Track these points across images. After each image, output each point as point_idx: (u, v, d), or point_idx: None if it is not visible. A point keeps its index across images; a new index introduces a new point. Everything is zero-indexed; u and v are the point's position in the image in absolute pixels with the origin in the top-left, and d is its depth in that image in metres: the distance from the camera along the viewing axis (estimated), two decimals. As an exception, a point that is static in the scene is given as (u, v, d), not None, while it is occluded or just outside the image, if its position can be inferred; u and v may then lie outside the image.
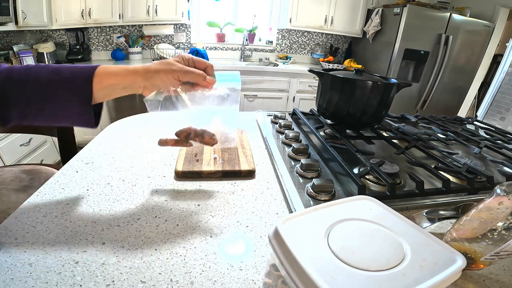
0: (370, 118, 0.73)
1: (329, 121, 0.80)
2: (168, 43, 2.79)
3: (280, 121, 0.80)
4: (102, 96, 0.41)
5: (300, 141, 0.71)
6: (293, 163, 0.59)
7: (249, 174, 0.56)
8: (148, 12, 2.43)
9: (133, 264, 0.34)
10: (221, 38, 2.94)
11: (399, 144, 0.69)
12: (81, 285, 0.30)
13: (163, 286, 0.31)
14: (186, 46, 2.88)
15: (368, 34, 2.71)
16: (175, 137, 0.46)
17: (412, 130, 0.84)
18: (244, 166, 0.57)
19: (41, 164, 0.95)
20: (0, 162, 1.66)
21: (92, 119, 0.42)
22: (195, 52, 2.51)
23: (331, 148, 0.60)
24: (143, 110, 0.53)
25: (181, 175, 0.54)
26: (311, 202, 0.46)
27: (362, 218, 0.28)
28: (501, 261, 0.38)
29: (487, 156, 0.72)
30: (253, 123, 0.86)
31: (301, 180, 0.53)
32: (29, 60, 2.14)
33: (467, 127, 0.98)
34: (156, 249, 0.36)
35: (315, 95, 0.85)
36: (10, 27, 1.92)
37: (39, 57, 2.27)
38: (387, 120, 0.94)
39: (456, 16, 2.38)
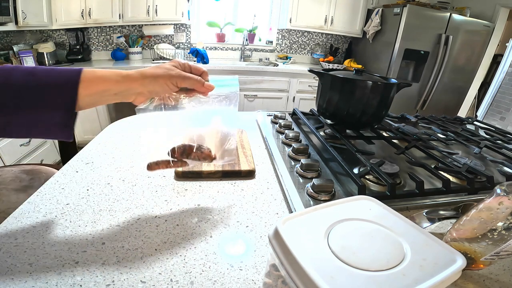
0: (370, 118, 0.73)
1: (329, 121, 0.80)
2: (168, 43, 2.80)
3: (280, 121, 0.80)
4: (87, 104, 0.37)
5: (300, 141, 0.71)
6: (293, 163, 0.59)
7: (249, 174, 0.56)
8: (148, 12, 2.43)
9: (133, 264, 0.34)
10: (221, 38, 2.94)
11: (399, 144, 0.69)
12: (81, 285, 0.30)
13: (163, 286, 0.31)
14: (186, 46, 2.88)
15: (368, 34, 2.71)
16: (167, 158, 0.42)
17: (412, 130, 0.84)
18: (244, 166, 0.57)
19: (41, 164, 0.95)
20: (0, 162, 1.66)
21: (73, 131, 0.37)
22: (195, 52, 2.51)
23: (331, 148, 0.60)
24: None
25: (181, 175, 0.54)
26: (311, 202, 0.46)
27: (362, 218, 0.28)
28: (501, 261, 0.38)
29: (487, 156, 0.72)
30: (253, 123, 0.86)
31: (301, 180, 0.53)
32: (29, 60, 2.14)
33: (467, 127, 0.98)
34: (156, 249, 0.36)
35: (315, 95, 0.85)
36: (10, 27, 1.92)
37: (39, 57, 2.28)
38: (387, 120, 0.94)
39: (456, 16, 2.38)
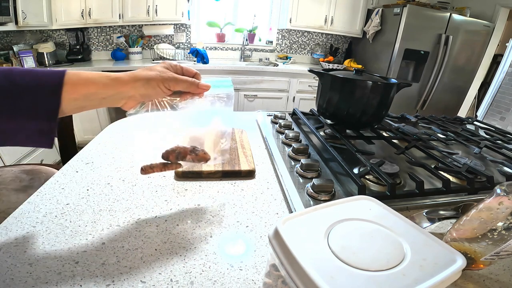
0: (370, 118, 0.73)
1: (329, 121, 0.80)
2: (168, 43, 2.80)
3: (280, 121, 0.80)
4: (72, 109, 0.34)
5: (300, 141, 0.71)
6: (293, 163, 0.59)
7: (249, 174, 0.56)
8: (148, 12, 2.43)
9: (133, 264, 0.34)
10: (221, 38, 2.94)
11: (399, 144, 0.69)
12: (81, 285, 0.30)
13: (163, 286, 0.31)
14: (186, 46, 2.88)
15: (368, 34, 2.71)
16: (162, 161, 0.41)
17: (412, 130, 0.84)
18: (244, 166, 0.57)
19: (41, 164, 0.95)
20: (0, 162, 1.66)
21: (53, 138, 0.34)
22: (195, 52, 2.51)
23: (331, 148, 0.60)
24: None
25: (181, 175, 0.54)
26: (311, 202, 0.46)
27: (362, 218, 0.28)
28: (501, 261, 0.38)
29: (487, 156, 0.72)
30: (253, 123, 0.86)
31: (301, 180, 0.53)
32: (29, 60, 2.14)
33: (467, 127, 0.98)
34: (156, 249, 0.36)
35: (315, 95, 0.85)
36: (10, 27, 1.92)
37: (39, 57, 2.28)
38: (387, 120, 0.94)
39: (456, 16, 2.38)
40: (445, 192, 0.51)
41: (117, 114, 2.37)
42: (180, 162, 0.42)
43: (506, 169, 0.65)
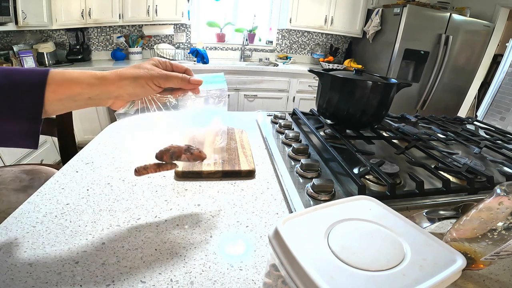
0: (370, 118, 0.73)
1: (329, 121, 0.80)
2: (168, 43, 2.80)
3: (280, 121, 0.80)
4: (56, 110, 0.33)
5: (300, 141, 0.71)
6: (293, 163, 0.59)
7: (249, 174, 0.56)
8: (148, 12, 2.43)
9: (133, 264, 0.34)
10: (221, 38, 2.94)
11: (399, 144, 0.69)
12: (81, 285, 0.30)
13: (163, 286, 0.31)
14: (186, 46, 2.88)
15: (368, 34, 2.71)
16: (156, 161, 0.39)
17: (412, 130, 0.84)
18: (244, 166, 0.57)
19: (41, 164, 0.95)
20: (0, 162, 1.66)
21: (38, 139, 0.33)
22: (195, 52, 2.51)
23: (331, 148, 0.60)
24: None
25: (181, 175, 0.54)
26: (311, 202, 0.46)
27: (362, 218, 0.28)
28: (501, 261, 0.38)
29: (487, 156, 0.72)
30: (253, 123, 0.86)
31: (301, 180, 0.53)
32: (29, 60, 2.14)
33: (467, 127, 0.98)
34: (156, 249, 0.36)
35: (315, 95, 0.85)
36: (10, 27, 1.92)
37: (39, 57, 2.28)
38: (387, 120, 0.94)
39: (456, 16, 2.38)
40: (445, 192, 0.51)
41: (117, 114, 2.36)
42: (175, 162, 0.41)
43: (506, 169, 0.65)
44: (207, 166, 0.55)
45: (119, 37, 2.64)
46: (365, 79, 0.71)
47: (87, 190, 0.48)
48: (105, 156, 0.61)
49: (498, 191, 0.31)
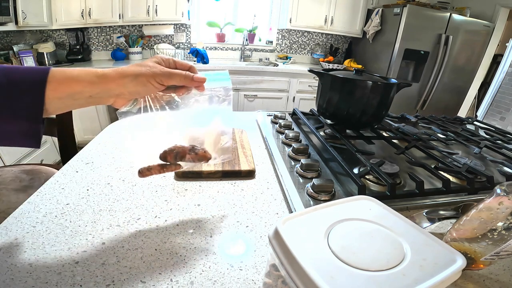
0: (370, 118, 0.73)
1: (329, 121, 0.80)
2: (168, 43, 2.80)
3: (280, 121, 0.80)
4: (57, 109, 0.32)
5: (300, 141, 0.71)
6: (293, 163, 0.59)
7: (249, 174, 0.56)
8: (148, 12, 2.43)
9: (133, 264, 0.34)
10: (221, 38, 2.94)
11: (399, 144, 0.69)
12: (81, 285, 0.30)
13: (163, 286, 0.31)
14: (186, 46, 2.88)
15: (368, 34, 2.71)
16: (159, 162, 0.38)
17: (412, 130, 0.84)
18: (244, 166, 0.57)
19: (41, 164, 0.95)
20: (0, 162, 1.66)
21: (40, 139, 0.33)
22: (195, 52, 2.51)
23: (331, 148, 0.60)
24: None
25: (181, 175, 0.54)
26: (311, 202, 0.46)
27: (362, 218, 0.28)
28: (501, 261, 0.38)
29: (487, 156, 0.72)
30: (253, 123, 0.86)
31: (301, 180, 0.53)
32: (29, 60, 2.14)
33: (467, 127, 0.98)
34: (156, 249, 0.36)
35: (315, 95, 0.85)
36: (10, 27, 1.92)
37: (39, 57, 2.28)
38: (387, 120, 0.94)
39: (456, 16, 2.38)
40: (445, 192, 0.51)
41: (117, 114, 2.36)
42: (180, 162, 0.40)
43: (506, 169, 0.65)
44: (207, 166, 0.55)
45: (119, 37, 2.64)
46: (365, 79, 0.71)
47: (87, 190, 0.48)
48: (105, 156, 0.61)
49: (498, 191, 0.31)
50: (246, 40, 2.89)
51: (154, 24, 2.58)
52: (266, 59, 3.04)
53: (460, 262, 0.23)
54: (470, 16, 2.50)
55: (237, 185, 0.53)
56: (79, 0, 2.26)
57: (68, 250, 0.35)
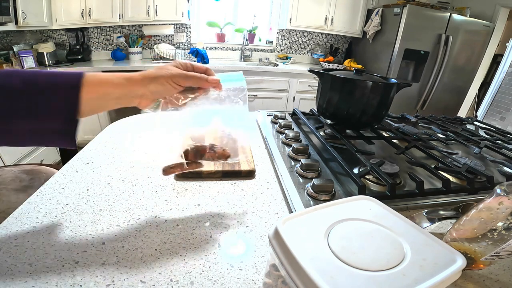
0: (370, 118, 0.73)
1: (329, 121, 0.80)
2: (168, 43, 2.80)
3: (280, 121, 0.80)
4: (90, 109, 0.36)
5: (300, 141, 0.71)
6: (293, 163, 0.59)
7: (249, 174, 0.56)
8: (148, 12, 2.43)
9: (133, 264, 0.34)
10: (221, 38, 2.94)
11: (399, 144, 0.69)
12: (81, 285, 0.30)
13: (163, 286, 0.31)
14: (186, 46, 2.88)
15: (368, 34, 2.71)
16: (181, 160, 0.41)
17: (412, 130, 0.84)
18: (244, 166, 0.57)
19: (41, 164, 0.95)
20: (0, 162, 1.66)
21: (75, 138, 0.36)
22: (195, 52, 2.51)
23: (331, 148, 0.60)
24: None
25: (181, 175, 0.54)
26: (311, 202, 0.46)
27: (362, 218, 0.28)
28: (501, 261, 0.38)
29: (487, 156, 0.72)
30: (253, 123, 0.86)
31: (301, 180, 0.53)
32: (29, 60, 2.14)
33: (467, 127, 0.98)
34: (156, 249, 0.36)
35: (315, 95, 0.85)
36: (10, 27, 1.92)
37: (39, 57, 2.28)
38: (387, 120, 0.94)
39: (456, 16, 2.38)
40: (445, 192, 0.51)
41: (117, 114, 2.37)
42: (200, 161, 0.42)
43: (506, 169, 0.65)
44: (207, 166, 0.55)
45: (119, 37, 2.64)
46: (365, 79, 0.71)
47: (87, 190, 0.48)
48: (105, 156, 0.61)
49: (498, 191, 0.31)
50: (246, 40, 2.89)
51: (154, 24, 2.59)
52: (266, 59, 3.04)
53: (460, 262, 0.23)
54: (470, 16, 2.50)
55: (237, 185, 0.53)
56: (79, 0, 2.26)
57: (68, 250, 0.35)
